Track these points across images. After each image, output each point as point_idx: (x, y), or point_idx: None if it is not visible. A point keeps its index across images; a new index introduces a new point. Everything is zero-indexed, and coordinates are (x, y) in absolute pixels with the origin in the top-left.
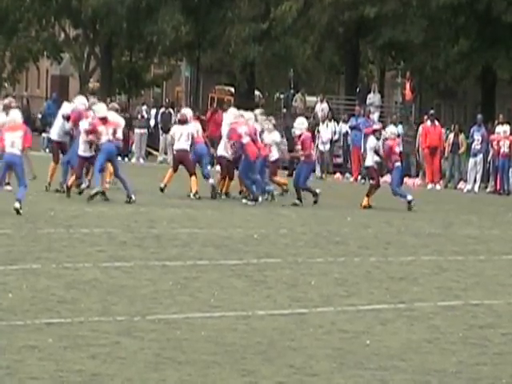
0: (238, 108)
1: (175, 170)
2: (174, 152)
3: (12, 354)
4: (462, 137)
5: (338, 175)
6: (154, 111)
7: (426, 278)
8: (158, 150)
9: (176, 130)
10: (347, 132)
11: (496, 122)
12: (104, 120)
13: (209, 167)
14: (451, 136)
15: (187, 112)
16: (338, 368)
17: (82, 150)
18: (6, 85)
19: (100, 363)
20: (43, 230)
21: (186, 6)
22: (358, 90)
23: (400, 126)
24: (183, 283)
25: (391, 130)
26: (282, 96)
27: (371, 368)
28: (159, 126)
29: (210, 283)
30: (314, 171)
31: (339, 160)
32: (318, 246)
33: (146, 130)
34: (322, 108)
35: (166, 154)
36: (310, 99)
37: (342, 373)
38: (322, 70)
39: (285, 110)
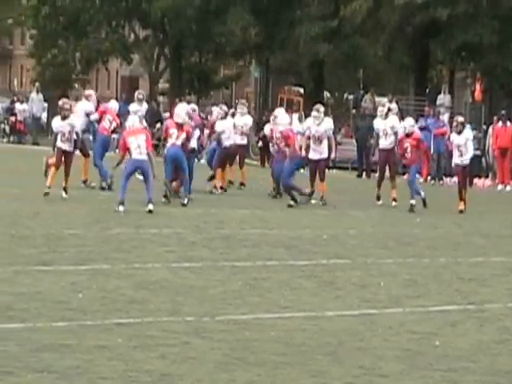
0: (310, 109)
1: (231, 163)
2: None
3: (82, 353)
4: None
5: (406, 176)
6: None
7: (495, 279)
8: None
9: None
10: None
11: None
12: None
13: None
14: None
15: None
16: (407, 369)
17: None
18: (76, 85)
19: (170, 363)
20: (113, 231)
21: (254, 7)
22: (427, 90)
23: (468, 127)
24: (252, 284)
25: (409, 122)
26: (351, 96)
27: (440, 369)
28: None
29: (279, 284)
30: (301, 168)
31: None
32: (388, 246)
33: None
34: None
35: None
36: (380, 99)
37: (411, 374)
38: (392, 70)
39: (354, 111)
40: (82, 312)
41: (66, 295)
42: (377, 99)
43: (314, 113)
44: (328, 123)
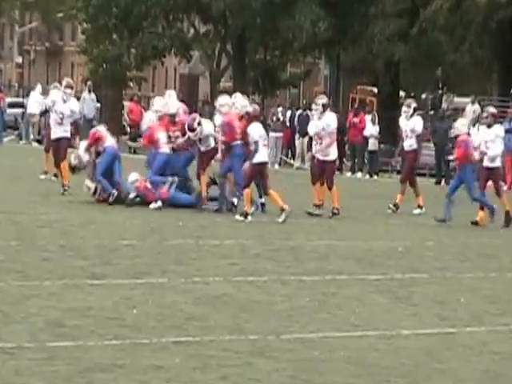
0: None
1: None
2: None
3: (137, 374)
4: None
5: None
6: (289, 113)
7: None
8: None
9: None
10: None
11: None
12: None
13: None
14: None
15: None
16: None
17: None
18: (131, 84)
19: None
20: (170, 242)
21: (325, 0)
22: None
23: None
24: (321, 299)
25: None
26: (429, 96)
27: None
28: (296, 129)
29: (349, 299)
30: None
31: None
32: (468, 259)
33: (281, 134)
34: (473, 110)
35: (302, 160)
36: (461, 100)
37: None
38: (473, 69)
39: (432, 112)
40: (136, 329)
41: (119, 311)
42: (457, 99)
43: (404, 108)
44: (329, 119)
